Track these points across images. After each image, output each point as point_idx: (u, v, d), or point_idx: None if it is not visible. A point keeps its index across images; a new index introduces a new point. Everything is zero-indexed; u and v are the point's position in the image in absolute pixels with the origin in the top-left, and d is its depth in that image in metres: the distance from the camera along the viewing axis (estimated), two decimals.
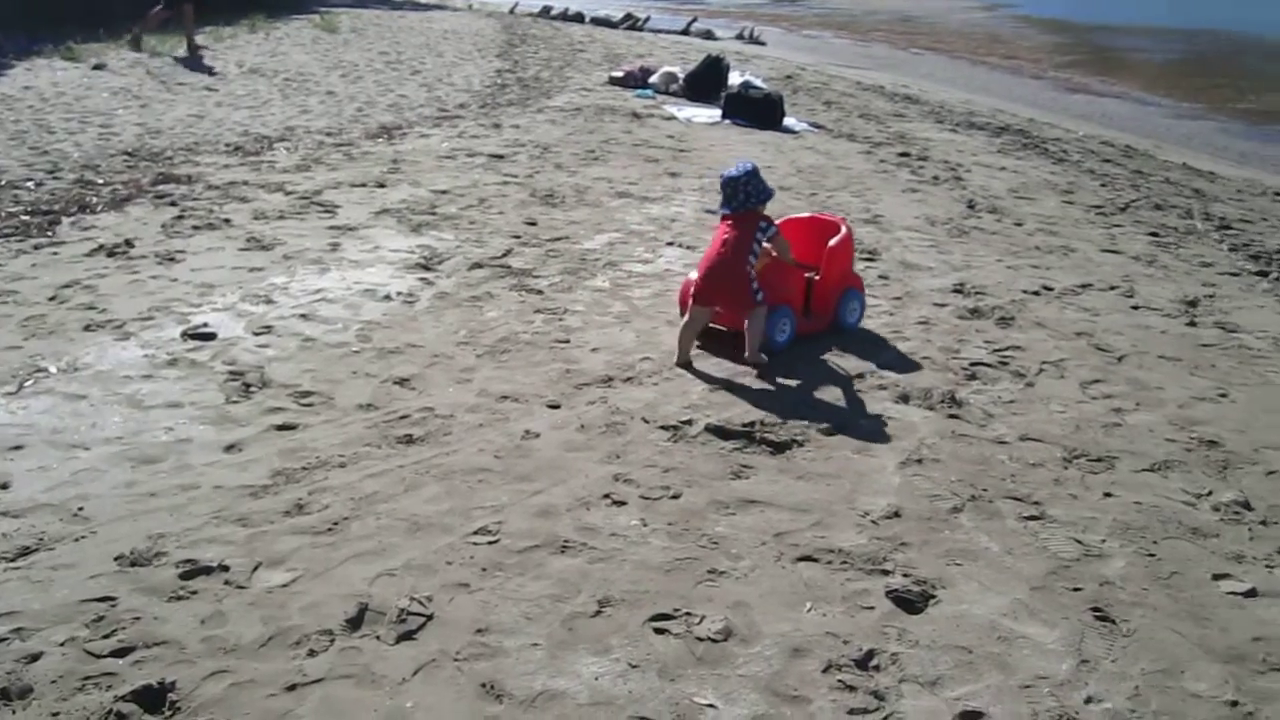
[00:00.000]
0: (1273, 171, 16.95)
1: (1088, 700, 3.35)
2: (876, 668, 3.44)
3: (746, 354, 5.92)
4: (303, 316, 6.22)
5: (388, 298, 6.61)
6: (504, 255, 7.58)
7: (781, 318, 6.13)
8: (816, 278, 6.48)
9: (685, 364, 5.86)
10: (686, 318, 5.97)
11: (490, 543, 4.00)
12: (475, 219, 8.49)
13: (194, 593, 3.60)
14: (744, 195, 5.91)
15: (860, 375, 5.88)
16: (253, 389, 5.23)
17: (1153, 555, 4.25)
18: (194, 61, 16.32)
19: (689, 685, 3.29)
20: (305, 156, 10.64)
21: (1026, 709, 3.28)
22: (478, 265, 7.31)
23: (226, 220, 8.12)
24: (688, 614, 3.64)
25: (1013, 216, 10.16)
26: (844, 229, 6.62)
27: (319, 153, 10.88)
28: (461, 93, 15.53)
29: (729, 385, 5.60)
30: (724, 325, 6.17)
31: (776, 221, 6.13)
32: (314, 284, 6.78)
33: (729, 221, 5.94)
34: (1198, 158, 17.12)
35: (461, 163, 10.62)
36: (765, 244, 5.95)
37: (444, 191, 9.34)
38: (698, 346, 6.05)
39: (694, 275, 6.13)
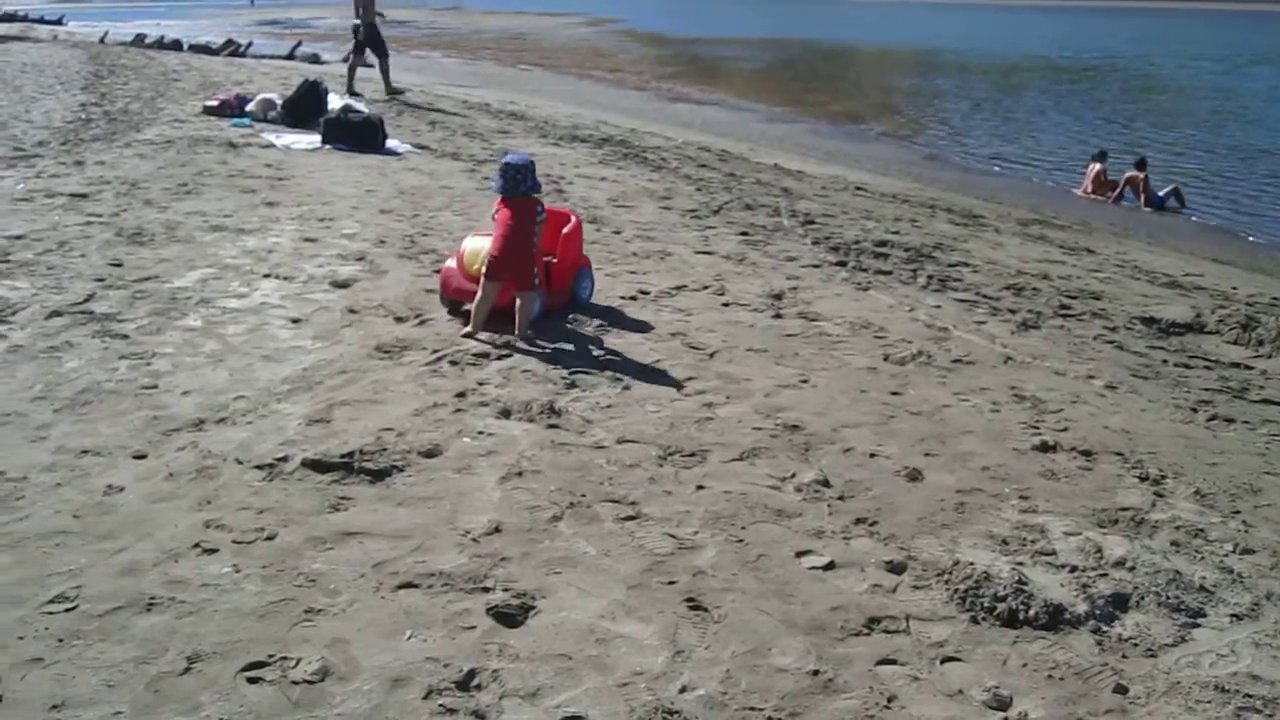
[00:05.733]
0: (854, 167, 18.32)
1: (682, 690, 3.48)
2: (478, 686, 3.44)
3: (516, 330, 6.71)
4: None
5: None
6: (86, 300, 7.10)
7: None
8: (554, 261, 7.34)
9: (472, 335, 6.69)
10: (479, 294, 6.71)
11: (68, 610, 3.73)
12: (54, 264, 7.92)
13: None
14: (525, 184, 6.73)
15: (462, 393, 5.88)
16: None
17: (741, 541, 4.47)
18: None
19: None
20: None
21: (624, 707, 3.37)
22: (56, 313, 6.81)
23: None
24: (283, 658, 3.52)
25: (612, 225, 10.50)
26: (574, 219, 7.58)
27: None
28: (41, 130, 14.50)
29: (325, 419, 5.46)
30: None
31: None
32: None
33: (509, 207, 6.70)
34: (789, 158, 18.28)
35: (40, 204, 9.88)
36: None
37: (19, 237, 8.64)
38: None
39: (452, 264, 7.17)
